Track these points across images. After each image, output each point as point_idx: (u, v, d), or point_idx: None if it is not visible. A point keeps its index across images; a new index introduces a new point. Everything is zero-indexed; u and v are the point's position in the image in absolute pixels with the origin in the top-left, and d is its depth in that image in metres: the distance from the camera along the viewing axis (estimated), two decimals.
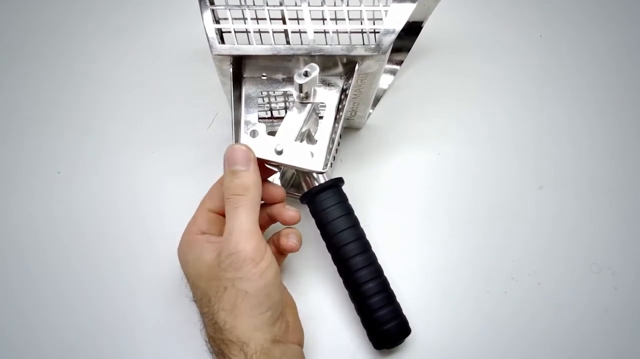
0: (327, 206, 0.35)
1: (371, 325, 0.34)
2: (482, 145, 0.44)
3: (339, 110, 0.34)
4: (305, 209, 0.37)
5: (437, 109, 0.46)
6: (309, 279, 0.39)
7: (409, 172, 0.43)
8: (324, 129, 0.34)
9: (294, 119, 0.33)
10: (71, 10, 0.52)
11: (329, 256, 0.36)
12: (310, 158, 0.33)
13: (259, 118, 0.34)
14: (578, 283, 0.39)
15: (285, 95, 0.38)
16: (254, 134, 0.33)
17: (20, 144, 0.45)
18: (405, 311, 0.35)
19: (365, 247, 0.35)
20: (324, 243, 0.36)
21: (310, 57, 0.33)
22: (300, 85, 0.32)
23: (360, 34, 0.34)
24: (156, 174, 0.43)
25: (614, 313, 0.38)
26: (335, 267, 0.36)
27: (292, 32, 0.34)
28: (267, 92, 0.36)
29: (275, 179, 0.39)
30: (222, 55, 0.32)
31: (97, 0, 0.52)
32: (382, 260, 0.36)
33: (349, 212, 0.36)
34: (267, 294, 0.28)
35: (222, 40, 0.34)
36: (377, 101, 0.41)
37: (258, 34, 0.34)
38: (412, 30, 0.42)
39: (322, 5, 0.34)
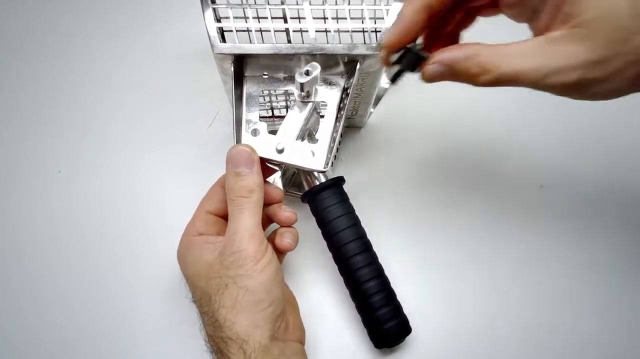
0: (328, 205, 0.35)
1: (372, 324, 0.34)
2: (483, 144, 0.44)
3: (340, 109, 0.34)
4: (306, 208, 0.37)
5: (438, 109, 0.46)
6: (309, 278, 0.39)
7: (409, 171, 0.43)
8: (325, 128, 0.34)
9: (295, 118, 0.33)
10: (71, 10, 0.52)
11: (329, 255, 0.36)
12: (311, 157, 0.33)
13: (260, 117, 0.34)
14: (578, 283, 0.39)
15: (287, 94, 0.38)
16: (255, 132, 0.33)
17: (21, 143, 0.45)
18: (405, 311, 0.35)
19: (366, 246, 0.35)
20: (324, 242, 0.36)
21: (311, 56, 0.33)
22: (302, 84, 0.32)
23: (362, 33, 0.34)
24: (156, 173, 0.43)
25: (614, 312, 0.38)
26: (336, 266, 0.36)
27: (294, 31, 0.34)
28: (268, 91, 0.36)
29: (276, 178, 0.39)
30: (223, 54, 0.32)
31: (97, 0, 0.52)
32: (382, 259, 0.36)
33: (349, 211, 0.36)
34: (267, 291, 0.29)
35: (224, 39, 0.34)
36: (378, 100, 0.41)
37: (259, 32, 0.34)
38: None
39: (323, 4, 0.34)
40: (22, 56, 0.49)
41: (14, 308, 0.38)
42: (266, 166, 0.33)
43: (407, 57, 0.27)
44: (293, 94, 0.35)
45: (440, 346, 0.37)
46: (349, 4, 0.34)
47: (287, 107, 0.40)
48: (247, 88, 0.35)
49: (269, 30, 0.33)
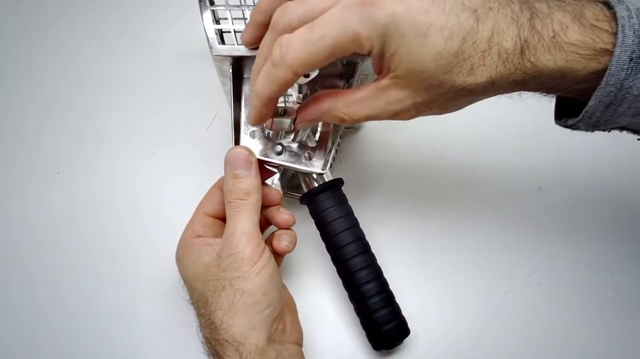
0: (327, 206, 0.35)
1: (370, 326, 0.34)
2: (481, 146, 0.44)
3: None
4: (305, 210, 0.37)
5: None
6: (308, 280, 0.39)
7: (407, 173, 0.43)
8: (324, 130, 0.34)
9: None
10: (69, 9, 0.52)
11: (328, 256, 0.36)
12: (310, 159, 0.33)
13: None
14: (577, 283, 0.39)
15: (285, 96, 0.38)
16: (253, 134, 0.33)
17: (19, 145, 0.45)
18: (404, 312, 0.35)
19: (364, 248, 0.35)
20: (323, 244, 0.36)
21: None
22: (300, 86, 0.31)
23: None
24: (155, 174, 0.43)
25: (613, 312, 0.38)
26: (334, 268, 0.36)
27: None
28: None
29: (275, 179, 0.39)
30: (222, 55, 0.32)
31: (95, 0, 0.52)
32: (381, 261, 0.36)
33: (348, 213, 0.36)
34: (264, 293, 0.29)
35: (222, 41, 0.34)
36: None
37: None
38: None
39: None
40: (21, 56, 0.49)
41: (12, 308, 0.38)
42: (265, 168, 0.33)
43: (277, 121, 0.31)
44: (291, 95, 0.35)
45: (439, 348, 0.37)
46: None
47: (285, 110, 0.40)
48: (246, 90, 0.35)
49: None
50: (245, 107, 0.35)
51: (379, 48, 0.24)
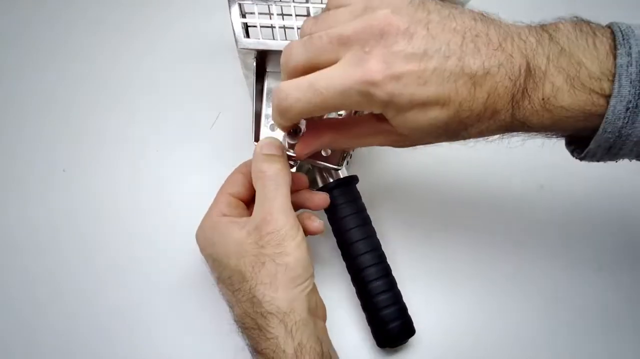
0: (341, 202, 0.35)
1: (376, 323, 0.35)
2: (482, 143, 0.44)
3: None
4: None
5: None
6: (317, 273, 0.39)
7: (416, 172, 0.43)
8: None
9: None
10: (69, 8, 0.51)
11: (338, 252, 0.36)
12: (326, 154, 0.33)
13: None
14: (579, 281, 0.39)
15: None
16: (273, 127, 0.34)
17: (24, 142, 0.45)
18: (410, 311, 0.35)
19: (375, 245, 0.35)
20: (334, 239, 0.36)
21: None
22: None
23: None
24: (158, 172, 0.43)
25: (614, 311, 0.38)
26: (344, 263, 0.36)
27: None
28: None
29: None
30: (247, 49, 0.33)
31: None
32: (390, 259, 0.36)
33: (361, 210, 0.36)
34: (304, 267, 0.30)
35: (248, 35, 0.34)
36: None
37: (283, 29, 0.34)
38: None
39: None
40: (25, 54, 0.49)
41: (13, 309, 0.39)
42: None
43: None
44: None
45: (443, 348, 0.37)
46: None
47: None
48: (268, 83, 0.36)
49: (293, 28, 0.34)
50: (266, 101, 0.35)
51: (377, 112, 0.25)
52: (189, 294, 0.39)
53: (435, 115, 0.24)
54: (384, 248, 0.36)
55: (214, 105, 0.46)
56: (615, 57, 0.23)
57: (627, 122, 0.23)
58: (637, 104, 0.23)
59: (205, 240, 0.32)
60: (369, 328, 0.36)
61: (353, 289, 0.36)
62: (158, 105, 0.46)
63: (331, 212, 0.36)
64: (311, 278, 0.31)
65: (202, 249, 0.33)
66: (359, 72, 0.23)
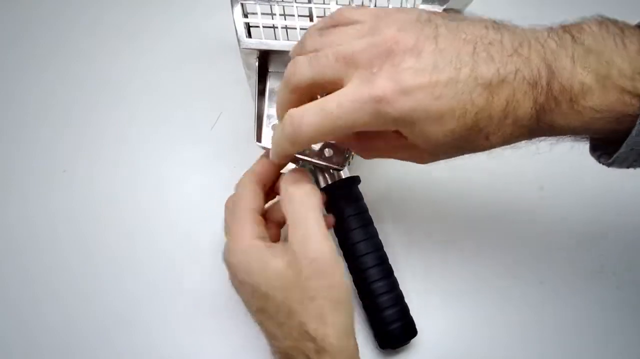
0: (343, 203, 0.35)
1: (378, 324, 0.35)
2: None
3: None
4: None
5: None
6: None
7: (419, 173, 0.43)
8: None
9: None
10: (68, 8, 0.51)
11: (340, 252, 0.36)
12: (329, 155, 0.33)
13: None
14: (579, 282, 0.39)
15: None
16: (275, 128, 0.34)
17: (24, 142, 0.45)
18: (412, 313, 0.35)
19: (377, 246, 0.35)
20: (336, 239, 0.36)
21: None
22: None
23: None
24: (159, 173, 0.43)
25: (615, 312, 0.38)
26: (345, 264, 0.36)
27: None
28: None
29: None
30: (250, 49, 0.33)
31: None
32: (392, 260, 0.36)
33: (363, 210, 0.36)
34: (349, 294, 0.28)
35: (250, 35, 0.34)
36: None
37: (285, 29, 0.34)
38: None
39: (349, 5, 0.34)
40: (25, 54, 0.49)
41: (11, 310, 0.39)
42: None
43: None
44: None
45: (445, 350, 0.37)
46: (375, 6, 0.34)
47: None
48: (270, 83, 0.36)
49: (295, 28, 0.34)
50: (268, 101, 0.35)
51: (393, 129, 0.24)
52: (188, 294, 0.39)
53: (452, 127, 0.23)
54: (385, 249, 0.36)
55: (214, 105, 0.45)
56: None
57: None
58: None
59: (239, 267, 0.29)
60: (370, 329, 0.36)
61: (355, 290, 0.36)
62: (158, 105, 0.46)
63: (333, 213, 0.36)
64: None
65: (235, 276, 0.30)
66: (366, 91, 0.22)
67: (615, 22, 0.23)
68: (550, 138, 0.26)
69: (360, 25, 0.25)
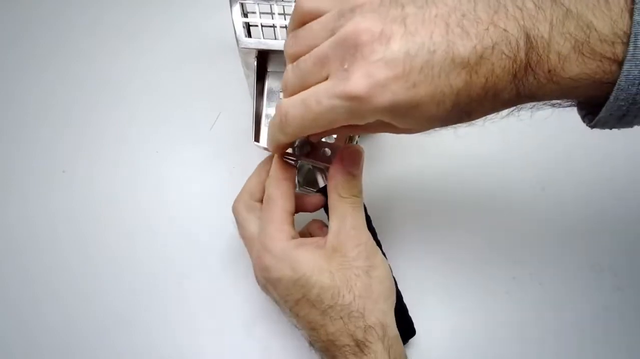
0: None
1: None
2: (485, 146, 0.44)
3: None
4: None
5: None
6: None
7: (417, 172, 0.43)
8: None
9: None
10: (68, 8, 0.51)
11: None
12: (327, 154, 0.33)
13: None
14: (579, 283, 0.39)
15: None
16: None
17: (24, 142, 0.45)
18: (411, 312, 0.35)
19: (377, 245, 0.35)
20: None
21: None
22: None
23: None
24: (158, 174, 0.43)
25: (614, 313, 0.38)
26: None
27: None
28: None
29: None
30: (248, 48, 0.33)
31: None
32: (390, 259, 0.36)
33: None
34: (390, 279, 0.31)
35: (249, 34, 0.34)
36: None
37: (285, 29, 0.34)
38: None
39: None
40: (25, 54, 0.49)
41: (11, 310, 0.39)
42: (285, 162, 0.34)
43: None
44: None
45: (444, 350, 0.37)
46: None
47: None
48: (268, 83, 0.36)
49: None
50: (267, 101, 0.35)
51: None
52: (188, 294, 0.39)
53: (433, 112, 0.22)
54: (384, 249, 0.36)
55: (214, 105, 0.45)
56: (631, 13, 0.20)
57: None
58: None
59: (280, 264, 0.30)
60: None
61: None
62: (158, 105, 0.46)
63: None
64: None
65: (271, 274, 0.30)
66: (341, 88, 0.22)
67: None
68: (530, 106, 0.25)
69: (324, 17, 0.24)
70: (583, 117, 0.25)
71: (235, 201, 0.34)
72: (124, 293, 0.39)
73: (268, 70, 0.36)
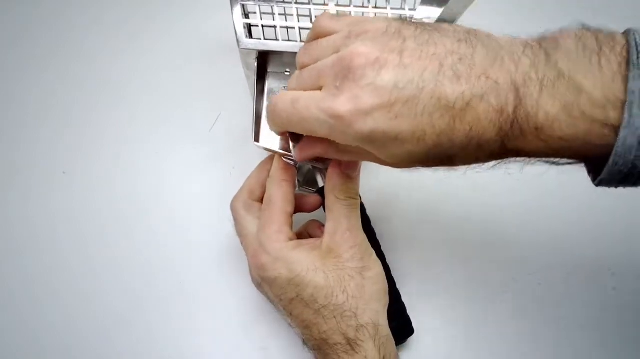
0: None
1: None
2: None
3: None
4: None
5: None
6: None
7: (418, 174, 0.43)
8: None
9: None
10: (68, 8, 0.51)
11: None
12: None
13: None
14: (578, 283, 0.39)
15: None
16: None
17: (24, 144, 0.45)
18: (410, 311, 0.35)
19: (375, 245, 0.35)
20: None
21: None
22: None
23: None
24: (158, 174, 0.43)
25: (613, 313, 0.38)
26: None
27: None
28: None
29: None
30: (249, 49, 0.33)
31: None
32: (389, 259, 0.36)
33: (361, 210, 0.36)
34: (384, 281, 0.31)
35: (250, 35, 0.34)
36: None
37: (285, 30, 0.34)
38: None
39: (349, 6, 0.34)
40: (25, 54, 0.49)
41: (11, 310, 0.39)
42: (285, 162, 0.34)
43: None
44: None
45: (442, 349, 0.37)
46: (374, 7, 0.34)
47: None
48: (269, 83, 0.36)
49: (294, 28, 0.34)
50: (267, 101, 0.35)
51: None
52: (188, 294, 0.39)
53: (411, 148, 0.22)
54: (383, 248, 0.36)
55: (214, 105, 0.45)
56: (626, 79, 0.20)
57: None
58: None
59: (277, 264, 0.30)
60: None
61: None
62: (158, 105, 0.46)
63: None
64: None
65: (269, 274, 0.30)
66: (328, 104, 0.23)
67: (596, 35, 0.21)
68: (520, 161, 0.25)
69: (335, 36, 0.25)
70: (589, 173, 0.25)
71: (234, 199, 0.34)
72: (123, 292, 0.39)
73: (268, 70, 0.36)
